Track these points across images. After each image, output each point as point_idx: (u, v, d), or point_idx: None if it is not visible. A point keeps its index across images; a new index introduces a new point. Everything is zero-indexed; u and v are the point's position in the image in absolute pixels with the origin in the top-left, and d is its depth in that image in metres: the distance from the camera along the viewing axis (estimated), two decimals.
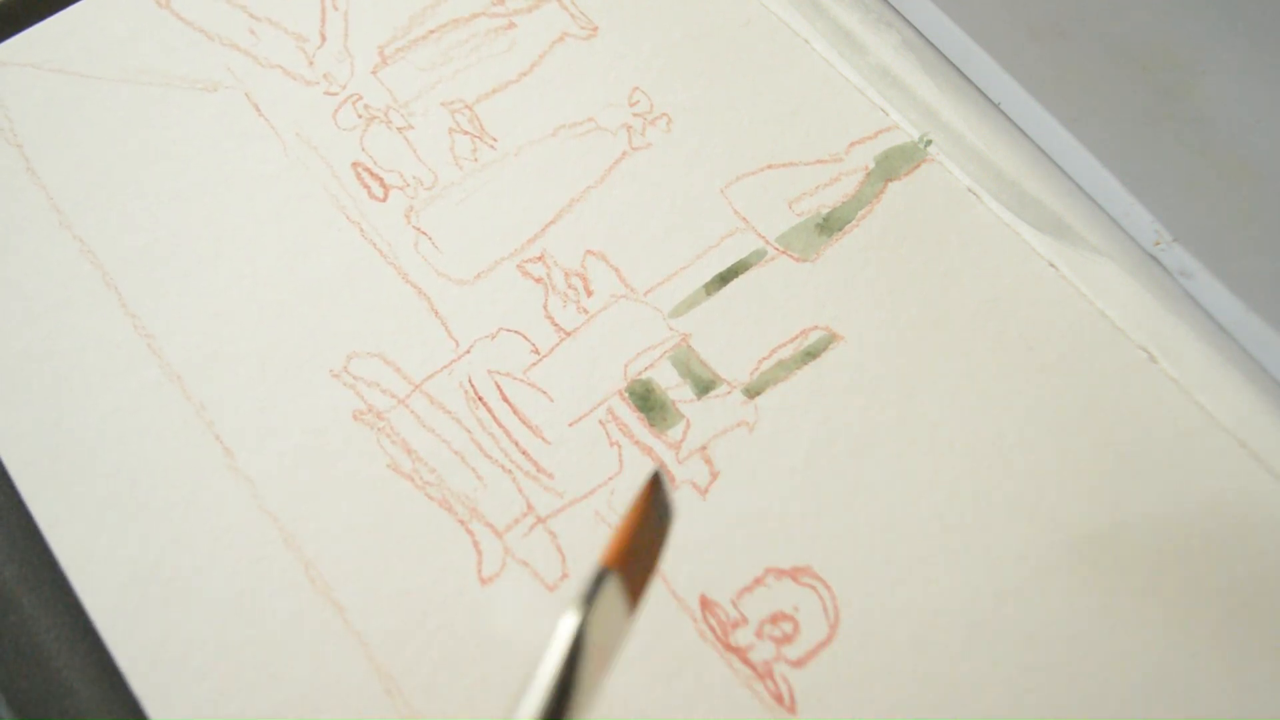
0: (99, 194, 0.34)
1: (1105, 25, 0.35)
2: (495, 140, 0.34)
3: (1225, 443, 0.30)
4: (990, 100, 0.35)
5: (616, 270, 0.32)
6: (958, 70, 0.35)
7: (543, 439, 0.30)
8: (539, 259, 0.33)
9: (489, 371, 0.31)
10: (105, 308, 0.32)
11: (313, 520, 0.30)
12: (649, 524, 0.24)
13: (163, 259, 0.33)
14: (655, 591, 0.29)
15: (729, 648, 0.28)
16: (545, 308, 0.32)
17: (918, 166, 0.34)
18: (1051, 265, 0.32)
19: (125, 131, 0.35)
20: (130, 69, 0.36)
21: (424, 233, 0.33)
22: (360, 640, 0.28)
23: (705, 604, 0.29)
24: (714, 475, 0.30)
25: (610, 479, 0.30)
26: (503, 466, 0.30)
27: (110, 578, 0.29)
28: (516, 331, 0.32)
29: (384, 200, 0.34)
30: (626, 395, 0.31)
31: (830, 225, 0.33)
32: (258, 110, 0.35)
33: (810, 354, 0.31)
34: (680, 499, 0.30)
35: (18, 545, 0.31)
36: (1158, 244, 0.32)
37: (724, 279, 0.32)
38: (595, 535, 0.29)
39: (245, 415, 0.31)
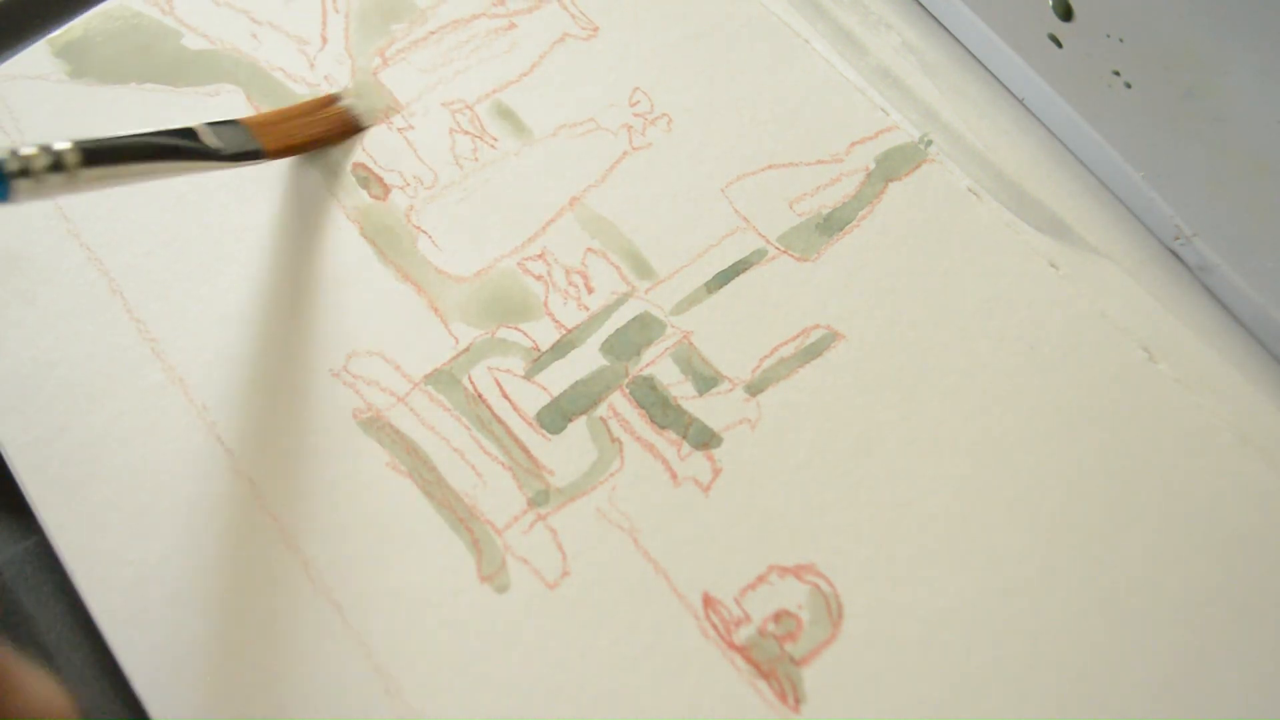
0: (104, 202, 0.34)
1: (1128, 25, 0.36)
2: (496, 140, 0.34)
3: (1225, 442, 0.30)
4: (1014, 95, 0.35)
5: (617, 268, 0.32)
6: (981, 64, 0.35)
7: (543, 435, 0.30)
8: (539, 257, 0.33)
9: (489, 369, 0.31)
10: (111, 313, 0.32)
11: (312, 520, 0.30)
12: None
13: (166, 263, 0.33)
14: (656, 589, 0.29)
15: (731, 646, 0.28)
16: (546, 305, 0.32)
17: (918, 167, 0.34)
18: (1051, 265, 0.32)
19: None
20: (136, 76, 0.36)
21: (424, 231, 0.33)
22: (359, 639, 0.28)
23: (708, 602, 0.28)
24: (716, 472, 0.30)
25: (612, 475, 0.30)
26: (502, 464, 0.30)
27: (114, 579, 0.29)
28: (517, 328, 0.32)
29: (384, 200, 0.34)
30: (628, 391, 0.31)
31: (831, 225, 0.33)
32: (259, 113, 0.35)
33: (812, 352, 0.31)
34: (683, 496, 0.30)
35: (18, 547, 0.31)
36: (1177, 239, 0.32)
37: (725, 277, 0.32)
38: (597, 532, 0.29)
39: (247, 416, 0.31)
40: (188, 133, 0.30)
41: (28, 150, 0.25)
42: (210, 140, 0.30)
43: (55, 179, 0.26)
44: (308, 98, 0.35)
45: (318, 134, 0.34)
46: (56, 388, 0.31)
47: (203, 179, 0.34)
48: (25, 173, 0.25)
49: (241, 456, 0.30)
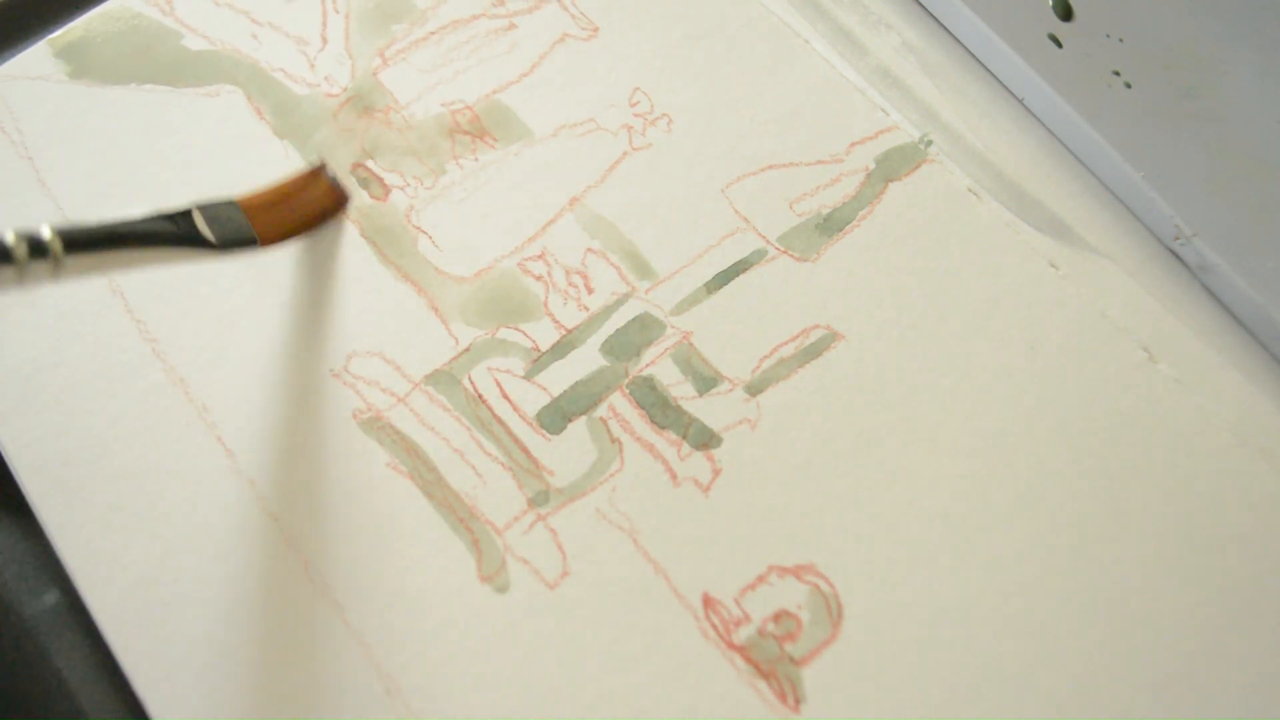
0: (105, 202, 0.34)
1: (1128, 25, 0.36)
2: (495, 140, 0.34)
3: (1225, 442, 0.30)
4: (1014, 95, 0.35)
5: (617, 268, 0.32)
6: (981, 64, 0.35)
7: (543, 436, 0.30)
8: (540, 257, 0.33)
9: (489, 369, 0.31)
10: (111, 313, 0.32)
11: (313, 520, 0.30)
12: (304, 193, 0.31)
13: None
14: (656, 589, 0.29)
15: (731, 646, 0.28)
16: (546, 305, 0.32)
17: (918, 167, 0.34)
18: (1051, 265, 0.32)
19: (131, 139, 0.35)
20: (136, 77, 0.36)
21: (424, 231, 0.33)
22: (360, 640, 0.28)
23: (708, 602, 0.28)
24: (716, 473, 0.30)
25: (612, 475, 0.30)
26: (502, 464, 0.30)
27: (115, 579, 0.29)
28: (517, 329, 0.32)
29: (384, 200, 0.34)
30: (628, 392, 0.31)
31: (831, 225, 0.33)
32: (260, 114, 0.35)
33: (812, 353, 0.31)
34: (683, 496, 0.30)
35: (18, 547, 0.31)
36: (1177, 239, 0.32)
37: (725, 278, 0.32)
38: (597, 532, 0.29)
39: (247, 417, 0.31)
40: (183, 216, 0.29)
41: (6, 238, 0.24)
42: (203, 227, 0.29)
43: (39, 267, 0.24)
44: (296, 172, 0.33)
45: (310, 217, 0.32)
46: (57, 388, 0.31)
47: (202, 170, 0.34)
48: (5, 258, 0.24)
49: (241, 457, 0.30)
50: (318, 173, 0.33)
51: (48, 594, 0.30)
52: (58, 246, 0.25)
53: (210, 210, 0.29)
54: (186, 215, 0.29)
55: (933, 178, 0.34)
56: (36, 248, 0.24)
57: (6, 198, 0.34)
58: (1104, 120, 0.34)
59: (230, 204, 0.30)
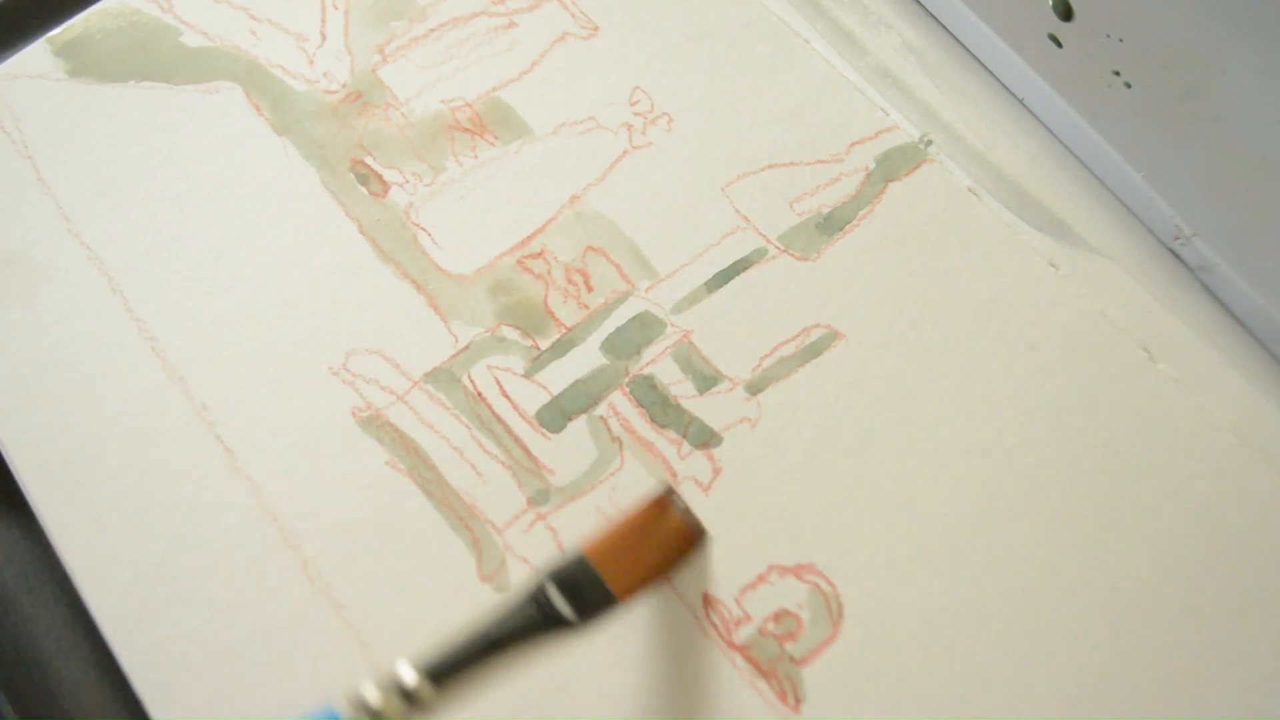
0: (104, 200, 0.34)
1: (1128, 25, 0.36)
2: (495, 138, 0.34)
3: (1225, 441, 0.30)
4: (1014, 95, 0.35)
5: (618, 266, 0.32)
6: (981, 64, 0.36)
7: (543, 434, 0.30)
8: (539, 255, 0.33)
9: (489, 367, 0.31)
10: (110, 313, 0.32)
11: (312, 519, 0.30)
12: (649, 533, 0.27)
13: (165, 262, 0.33)
14: (656, 589, 0.29)
15: (731, 645, 0.28)
16: (546, 303, 0.32)
17: (918, 166, 0.34)
18: (1051, 265, 0.32)
19: (130, 137, 0.35)
20: (135, 74, 0.36)
21: (423, 228, 0.33)
22: (359, 639, 0.28)
23: (708, 601, 0.28)
24: (716, 472, 0.30)
25: (611, 474, 0.30)
26: (502, 462, 0.30)
27: (114, 579, 0.29)
28: (516, 327, 0.32)
29: (383, 197, 0.34)
30: (628, 390, 0.31)
31: (831, 225, 0.33)
32: (258, 110, 0.35)
33: (812, 352, 0.31)
34: (683, 496, 0.30)
35: (18, 547, 0.31)
36: (1177, 239, 0.32)
37: (725, 277, 0.32)
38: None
39: (246, 415, 0.31)
40: (539, 597, 0.25)
41: (375, 699, 0.22)
42: (559, 603, 0.25)
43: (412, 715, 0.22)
44: (638, 507, 0.28)
45: (664, 560, 0.27)
46: (56, 388, 0.31)
47: (198, 170, 0.34)
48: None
49: (241, 456, 0.30)
50: (665, 502, 0.27)
51: (48, 593, 0.30)
52: (427, 691, 0.23)
53: (560, 575, 0.26)
54: (543, 592, 0.26)
55: (933, 177, 0.34)
56: (408, 697, 0.23)
57: (6, 196, 0.34)
58: (1104, 120, 0.34)
59: (579, 560, 0.26)
